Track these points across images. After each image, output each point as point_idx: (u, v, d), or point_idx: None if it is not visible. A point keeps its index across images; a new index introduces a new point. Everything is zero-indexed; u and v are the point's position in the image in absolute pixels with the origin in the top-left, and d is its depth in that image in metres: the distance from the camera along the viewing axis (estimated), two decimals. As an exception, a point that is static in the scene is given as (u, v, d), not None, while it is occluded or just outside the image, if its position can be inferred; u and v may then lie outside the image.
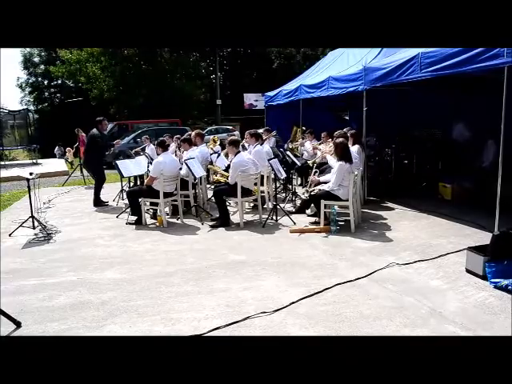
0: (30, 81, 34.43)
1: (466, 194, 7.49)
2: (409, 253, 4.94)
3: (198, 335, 3.20)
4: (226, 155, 8.42)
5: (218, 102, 29.80)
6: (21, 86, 34.69)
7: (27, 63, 33.71)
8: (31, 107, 32.75)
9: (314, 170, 6.94)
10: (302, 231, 5.95)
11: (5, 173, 10.41)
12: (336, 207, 5.90)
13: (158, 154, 7.19)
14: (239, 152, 6.52)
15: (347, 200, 5.83)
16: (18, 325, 3.45)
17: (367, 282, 4.12)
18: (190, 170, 6.61)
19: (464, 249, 4.71)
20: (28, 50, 33.27)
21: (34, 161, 19.25)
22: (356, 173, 6.08)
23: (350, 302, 3.70)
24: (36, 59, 34.23)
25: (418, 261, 4.65)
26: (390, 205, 7.46)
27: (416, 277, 4.23)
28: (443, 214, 6.59)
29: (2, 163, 18.19)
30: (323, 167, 7.29)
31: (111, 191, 9.50)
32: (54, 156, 18.86)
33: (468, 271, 4.27)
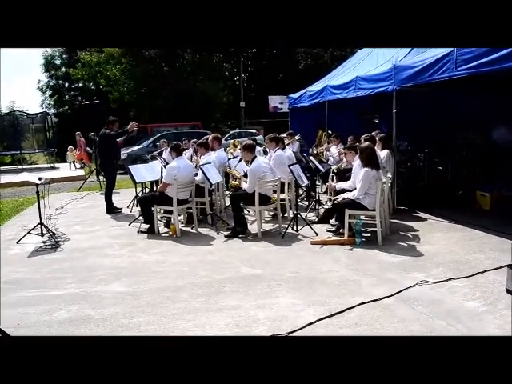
0: (51, 83, 35.16)
1: (507, 203, 7.12)
2: (441, 269, 4.66)
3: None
4: (244, 160, 8.27)
5: (242, 104, 29.74)
6: (41, 89, 35.49)
7: (48, 66, 34.45)
8: (52, 110, 33.35)
9: (330, 175, 6.72)
10: (324, 243, 5.73)
11: (14, 178, 10.51)
12: (362, 217, 5.66)
13: (173, 159, 7.10)
14: (255, 157, 6.35)
15: (374, 209, 5.59)
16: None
17: (394, 302, 3.88)
18: (206, 176, 6.47)
19: (504, 266, 4.38)
20: (49, 52, 34.01)
21: (52, 165, 19.55)
22: (384, 180, 5.83)
23: (374, 324, 3.46)
24: (57, 61, 34.99)
25: (452, 278, 4.37)
26: (421, 215, 7.16)
27: (449, 297, 3.96)
28: (481, 225, 6.25)
29: (20, 167, 18.53)
30: (349, 173, 7.05)
31: (126, 197, 9.47)
32: (65, 160, 19.14)
33: (509, 291, 3.95)
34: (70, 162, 18.30)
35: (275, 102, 29.94)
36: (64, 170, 17.57)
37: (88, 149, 17.71)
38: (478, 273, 4.51)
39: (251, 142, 6.60)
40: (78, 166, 18.30)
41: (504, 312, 3.60)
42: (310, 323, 3.50)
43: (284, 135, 9.63)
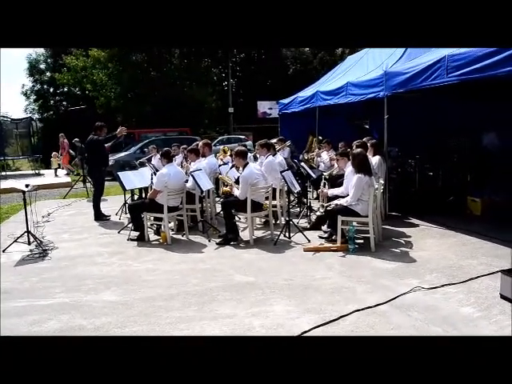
0: (36, 88, 34.88)
1: (498, 208, 7.21)
2: (435, 275, 4.70)
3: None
4: (236, 167, 8.28)
5: (231, 110, 29.80)
6: (25, 94, 35.17)
7: (33, 70, 34.20)
8: (36, 115, 33.08)
9: (322, 182, 6.76)
10: (316, 250, 5.75)
11: (3, 184, 10.39)
12: (354, 223, 5.69)
13: (163, 165, 7.08)
14: (247, 164, 6.36)
15: (367, 216, 5.63)
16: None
17: (389, 309, 3.90)
18: (197, 183, 6.47)
19: (497, 271, 4.48)
20: (34, 56, 33.79)
21: (37, 171, 19.36)
22: (376, 186, 5.88)
23: (370, 331, 3.48)
24: (42, 66, 34.74)
25: (446, 284, 4.42)
26: (413, 221, 7.22)
27: (444, 303, 4.00)
28: (473, 231, 6.33)
29: (3, 173, 18.29)
30: (341, 180, 7.09)
31: (114, 204, 9.41)
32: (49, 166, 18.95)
33: (503, 297, 4.01)
34: (55, 169, 18.15)
35: (264, 107, 30.02)
36: (49, 176, 17.39)
37: (71, 151, 17.58)
38: (472, 278, 4.56)
39: (243, 148, 6.61)
40: (64, 171, 18.15)
41: (499, 317, 3.65)
42: (305, 331, 3.50)
43: (274, 141, 9.65)
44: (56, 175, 17.77)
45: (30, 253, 6.13)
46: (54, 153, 18.38)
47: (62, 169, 18.43)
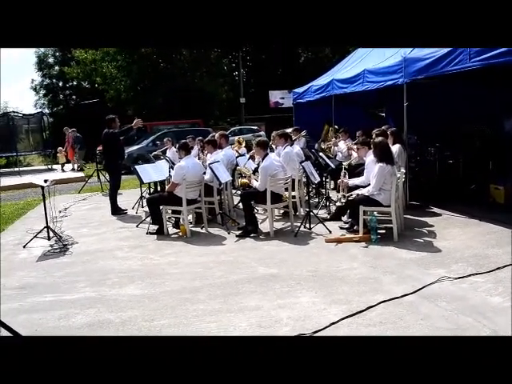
0: (45, 83, 35.13)
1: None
2: (461, 265, 4.70)
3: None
4: (251, 157, 8.31)
5: (242, 100, 29.77)
6: (35, 89, 35.47)
7: (41, 64, 34.42)
8: (46, 110, 33.35)
9: (342, 172, 6.75)
10: (338, 240, 5.77)
11: (19, 180, 10.53)
12: (375, 213, 5.69)
13: (179, 158, 7.12)
14: (267, 154, 6.38)
15: (389, 205, 5.63)
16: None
17: (416, 299, 3.92)
18: (215, 175, 6.51)
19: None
20: (42, 50, 33.99)
21: (49, 166, 19.58)
22: (398, 175, 5.86)
23: (399, 322, 3.50)
24: (50, 60, 34.96)
25: (473, 274, 4.41)
26: (435, 210, 7.20)
27: (472, 293, 4.00)
28: (497, 219, 6.28)
29: (16, 169, 18.52)
30: (360, 169, 7.08)
31: (130, 198, 9.49)
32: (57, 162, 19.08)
33: (532, 286, 4.01)
34: (62, 164, 18.27)
35: (276, 97, 29.92)
36: (65, 171, 17.63)
37: (75, 145, 17.62)
38: (499, 268, 4.54)
39: (265, 138, 6.65)
40: (71, 167, 18.22)
41: (530, 307, 3.64)
42: (333, 322, 3.54)
43: (290, 131, 9.64)
44: (63, 170, 17.90)
45: (50, 248, 6.24)
46: (59, 148, 18.49)
47: (69, 163, 18.47)
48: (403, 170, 6.52)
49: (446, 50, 6.07)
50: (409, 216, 6.76)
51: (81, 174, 15.54)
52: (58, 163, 18.84)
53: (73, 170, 17.80)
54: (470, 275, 4.39)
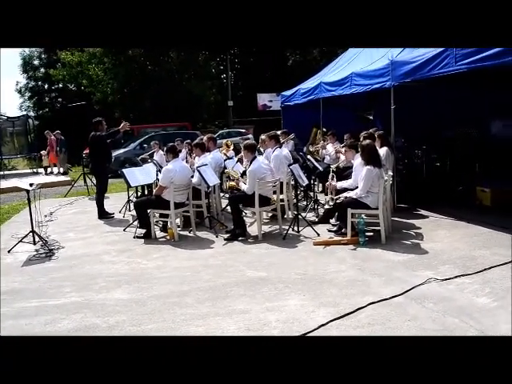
0: (30, 85, 34.82)
1: (508, 198, 7.25)
2: (448, 266, 4.76)
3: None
4: (239, 160, 8.33)
5: (230, 103, 29.77)
6: (20, 91, 35.13)
7: (27, 66, 34.12)
8: (31, 113, 33.01)
9: (330, 175, 6.79)
10: (326, 243, 5.80)
11: (3, 183, 10.43)
12: (363, 216, 5.74)
13: (167, 161, 7.11)
14: (255, 158, 6.41)
15: (376, 208, 5.68)
16: None
17: (404, 301, 3.96)
18: (203, 178, 6.51)
19: (510, 261, 4.53)
20: (27, 52, 33.73)
21: (35, 170, 19.38)
22: (386, 178, 5.92)
23: (387, 323, 3.54)
24: (36, 62, 34.67)
25: (460, 275, 4.47)
26: (422, 212, 7.27)
27: (459, 294, 4.05)
28: (483, 221, 6.37)
29: (1, 173, 18.30)
30: (347, 172, 7.13)
31: (117, 202, 9.45)
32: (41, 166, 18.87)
33: (518, 287, 4.07)
34: (45, 167, 18.10)
35: (264, 99, 29.95)
36: (49, 175, 17.45)
37: (57, 149, 17.43)
38: (485, 269, 4.61)
39: (253, 142, 6.67)
40: (55, 171, 18.04)
41: (516, 307, 3.70)
42: (322, 324, 3.56)
43: (278, 133, 9.67)
44: (46, 173, 17.72)
45: (36, 253, 6.19)
46: (42, 151, 18.31)
47: (55, 167, 18.27)
48: (391, 173, 6.58)
49: (432, 53, 6.15)
50: (396, 218, 6.82)
51: (66, 178, 15.42)
52: (42, 166, 18.67)
53: (58, 173, 17.61)
54: (456, 276, 4.45)
